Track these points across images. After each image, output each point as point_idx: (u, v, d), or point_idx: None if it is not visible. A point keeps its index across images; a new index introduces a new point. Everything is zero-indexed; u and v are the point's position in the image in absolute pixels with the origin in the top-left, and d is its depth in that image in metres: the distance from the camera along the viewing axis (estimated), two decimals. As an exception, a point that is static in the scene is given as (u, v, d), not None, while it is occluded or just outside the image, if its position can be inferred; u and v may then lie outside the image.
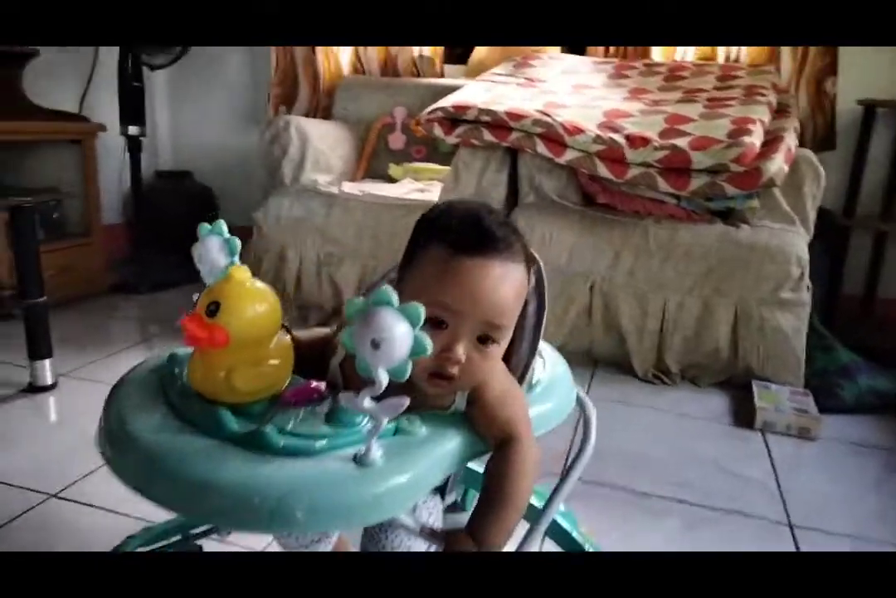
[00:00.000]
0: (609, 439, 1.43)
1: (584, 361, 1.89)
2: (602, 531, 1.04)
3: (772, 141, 1.71)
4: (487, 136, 1.86)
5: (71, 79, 2.54)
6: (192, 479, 0.55)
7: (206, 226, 0.73)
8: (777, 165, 1.63)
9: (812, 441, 1.50)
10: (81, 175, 2.27)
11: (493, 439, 0.65)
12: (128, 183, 2.59)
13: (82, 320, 2.07)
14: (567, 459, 1.21)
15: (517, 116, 1.81)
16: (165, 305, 2.29)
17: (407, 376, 0.54)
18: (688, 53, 2.36)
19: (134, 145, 2.46)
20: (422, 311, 0.53)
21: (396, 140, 2.51)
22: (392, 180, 2.39)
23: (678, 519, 1.19)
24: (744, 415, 1.60)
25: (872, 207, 2.28)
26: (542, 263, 0.75)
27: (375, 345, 0.53)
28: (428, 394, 0.65)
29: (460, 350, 0.62)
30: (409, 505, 0.59)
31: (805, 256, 1.70)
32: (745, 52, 2.29)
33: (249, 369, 0.62)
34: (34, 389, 1.56)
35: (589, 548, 0.93)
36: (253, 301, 0.63)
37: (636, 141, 1.71)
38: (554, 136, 1.78)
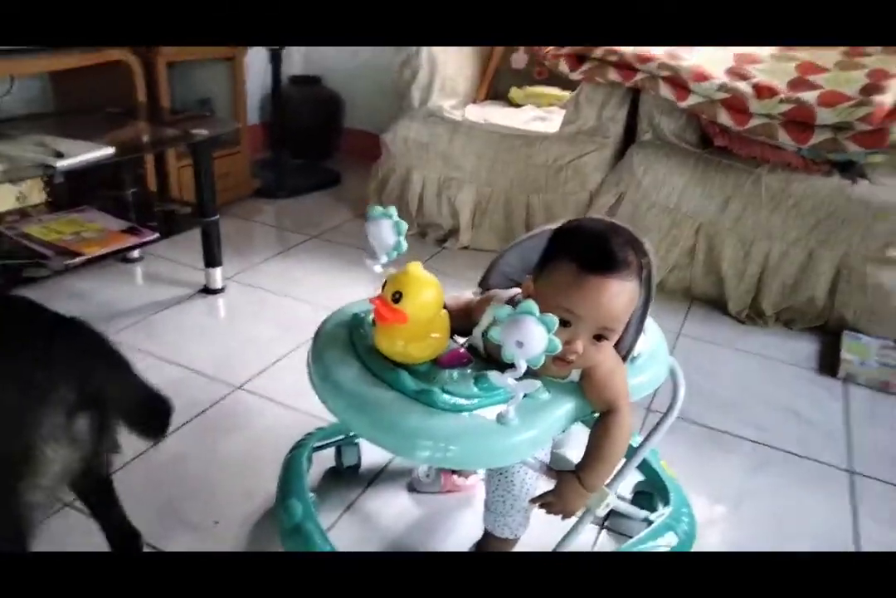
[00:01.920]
0: (692, 375, 1.61)
1: (682, 298, 2.02)
2: (676, 461, 1.24)
3: (906, 97, 1.68)
4: (612, 75, 1.91)
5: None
6: (385, 421, 0.79)
7: (378, 208, 0.92)
8: (906, 125, 1.63)
9: (892, 396, 1.62)
10: (232, 88, 2.48)
11: (599, 408, 0.85)
12: (267, 88, 2.78)
13: (236, 225, 2.34)
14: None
15: (645, 58, 1.84)
16: (298, 211, 2.55)
17: (540, 364, 0.75)
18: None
19: (275, 58, 2.63)
20: (556, 320, 0.72)
21: (519, 60, 2.55)
22: (514, 104, 2.47)
23: (745, 457, 1.38)
24: (829, 363, 1.72)
25: None
26: (653, 262, 0.91)
27: (520, 344, 0.73)
28: (550, 370, 0.85)
29: (580, 345, 0.81)
30: (533, 452, 0.82)
31: (921, 214, 1.72)
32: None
33: (421, 342, 0.85)
34: (208, 291, 1.89)
35: (668, 482, 1.14)
36: (425, 292, 0.84)
37: (763, 91, 1.73)
38: (679, 80, 1.81)
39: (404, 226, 0.90)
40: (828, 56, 1.85)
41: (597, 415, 0.87)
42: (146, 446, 1.25)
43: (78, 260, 1.54)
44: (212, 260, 1.85)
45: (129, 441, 1.25)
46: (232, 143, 2.56)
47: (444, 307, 0.89)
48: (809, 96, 1.69)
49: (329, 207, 2.59)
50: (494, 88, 2.57)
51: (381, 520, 1.16)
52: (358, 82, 3.08)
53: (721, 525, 1.20)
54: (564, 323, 0.80)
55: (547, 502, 0.87)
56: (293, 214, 2.53)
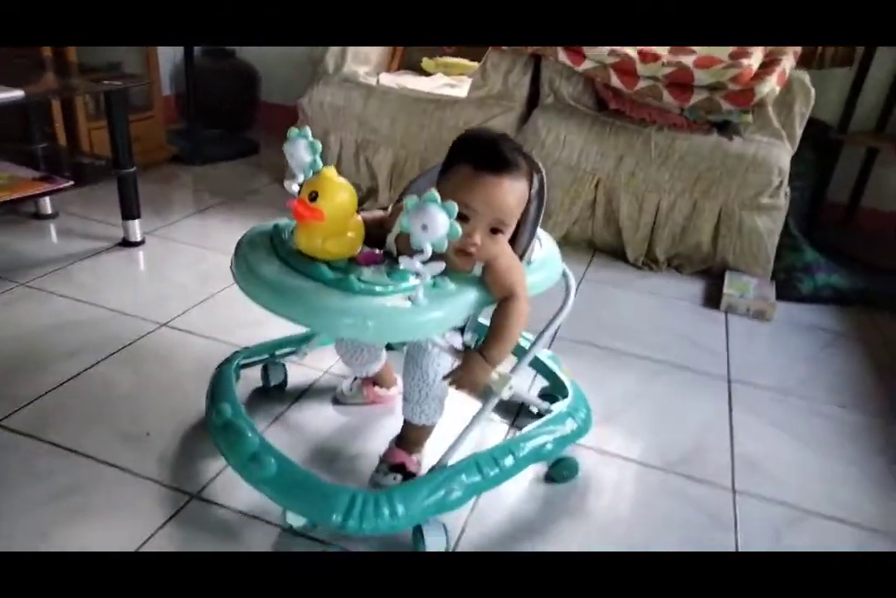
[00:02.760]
0: (595, 311, 1.78)
1: (585, 248, 2.19)
2: (578, 373, 1.36)
3: (769, 63, 1.89)
4: (516, 41, 2.04)
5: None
6: (308, 304, 0.87)
7: (294, 130, 1.00)
8: (769, 86, 1.84)
9: (766, 322, 1.83)
10: (144, 54, 2.48)
11: (499, 295, 0.97)
12: (180, 60, 2.77)
13: (151, 187, 2.34)
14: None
15: (546, 23, 1.98)
16: (216, 176, 2.56)
17: (444, 248, 0.85)
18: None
19: (187, 26, 2.63)
20: (456, 207, 0.83)
21: (431, 33, 2.65)
22: (425, 73, 2.57)
23: (639, 370, 1.54)
24: (713, 299, 1.93)
25: (866, 122, 2.46)
26: (544, 173, 1.03)
27: (424, 228, 0.84)
28: (455, 264, 0.96)
29: (478, 237, 0.93)
30: (442, 330, 0.92)
31: (786, 167, 1.94)
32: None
33: (338, 238, 0.93)
34: (127, 243, 1.90)
35: (567, 382, 1.27)
36: (340, 192, 0.93)
37: (647, 56, 1.90)
38: (574, 46, 1.96)
39: (318, 145, 0.98)
40: (706, 24, 2.04)
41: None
42: (78, 370, 1.31)
43: (-10, 203, 1.54)
44: (129, 212, 1.87)
45: (61, 365, 1.29)
46: (145, 107, 2.56)
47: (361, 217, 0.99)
48: (687, 60, 1.87)
49: (247, 174, 2.62)
50: (406, 60, 2.67)
51: (308, 428, 1.24)
52: (272, 56, 3.11)
53: (616, 421, 1.35)
54: (463, 218, 0.91)
55: (456, 378, 0.97)
56: (210, 179, 2.54)
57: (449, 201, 0.83)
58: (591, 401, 1.24)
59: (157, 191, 2.34)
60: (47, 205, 2.02)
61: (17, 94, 1.50)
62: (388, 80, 2.38)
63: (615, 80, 1.96)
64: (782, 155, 1.94)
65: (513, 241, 1.02)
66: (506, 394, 1.04)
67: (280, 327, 1.14)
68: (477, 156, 0.92)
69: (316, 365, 1.41)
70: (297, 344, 1.31)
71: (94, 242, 1.90)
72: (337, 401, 1.32)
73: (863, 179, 2.53)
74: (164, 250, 1.91)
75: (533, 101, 2.23)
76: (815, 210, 2.50)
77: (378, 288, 0.89)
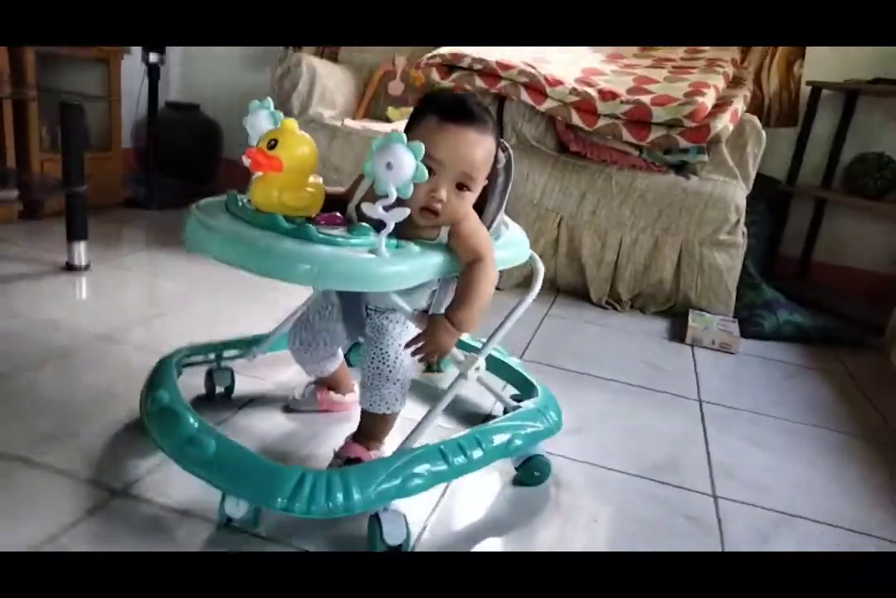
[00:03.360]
0: (561, 340, 1.72)
1: (548, 288, 2.16)
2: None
3: (722, 104, 1.98)
4: (479, 82, 2.10)
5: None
6: (261, 248, 0.80)
7: (256, 102, 0.97)
8: (723, 123, 1.90)
9: (731, 354, 1.80)
10: (105, 92, 2.46)
11: (466, 259, 0.91)
12: (142, 111, 2.77)
13: (102, 225, 2.27)
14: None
15: (506, 66, 2.05)
16: (170, 221, 2.48)
17: (409, 193, 0.80)
18: (667, 28, 2.60)
19: (153, 71, 2.65)
20: (422, 147, 0.79)
21: (396, 87, 2.73)
22: (390, 122, 2.61)
23: (609, 390, 1.48)
24: (678, 333, 1.90)
25: (814, 178, 2.57)
26: (511, 152, 1.01)
27: (389, 167, 0.79)
28: (420, 227, 0.91)
29: (443, 192, 0.88)
30: (403, 285, 0.85)
31: (742, 205, 1.98)
32: (717, 30, 2.53)
33: (297, 191, 0.88)
34: (71, 267, 1.79)
35: (537, 384, 1.19)
36: (300, 142, 0.88)
37: (606, 95, 1.97)
38: (537, 85, 2.02)
39: (280, 115, 0.95)
40: (657, 72, 2.14)
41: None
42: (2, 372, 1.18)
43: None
44: (76, 234, 1.78)
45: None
46: (104, 147, 2.53)
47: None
48: (645, 98, 1.94)
49: (203, 216, 2.55)
50: (372, 111, 2.72)
51: (255, 433, 1.12)
52: (236, 111, 3.14)
53: (587, 433, 1.26)
54: (429, 171, 0.86)
55: (420, 345, 0.90)
56: (163, 223, 2.47)
57: (416, 141, 0.79)
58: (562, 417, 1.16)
59: (108, 229, 2.25)
60: (-12, 231, 1.92)
61: (-33, 93, 1.45)
62: (353, 123, 2.41)
63: (576, 119, 2.01)
64: (738, 193, 1.99)
65: (480, 212, 0.98)
66: (472, 375, 0.97)
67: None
68: (443, 107, 0.89)
69: (266, 376, 1.31)
70: (247, 346, 1.22)
71: (35, 266, 1.79)
72: (288, 408, 1.21)
73: (813, 233, 2.61)
74: (110, 276, 1.81)
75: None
76: (769, 263, 2.55)
77: (339, 239, 0.82)
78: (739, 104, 2.04)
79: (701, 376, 1.62)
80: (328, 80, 2.46)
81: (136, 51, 2.56)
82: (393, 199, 0.80)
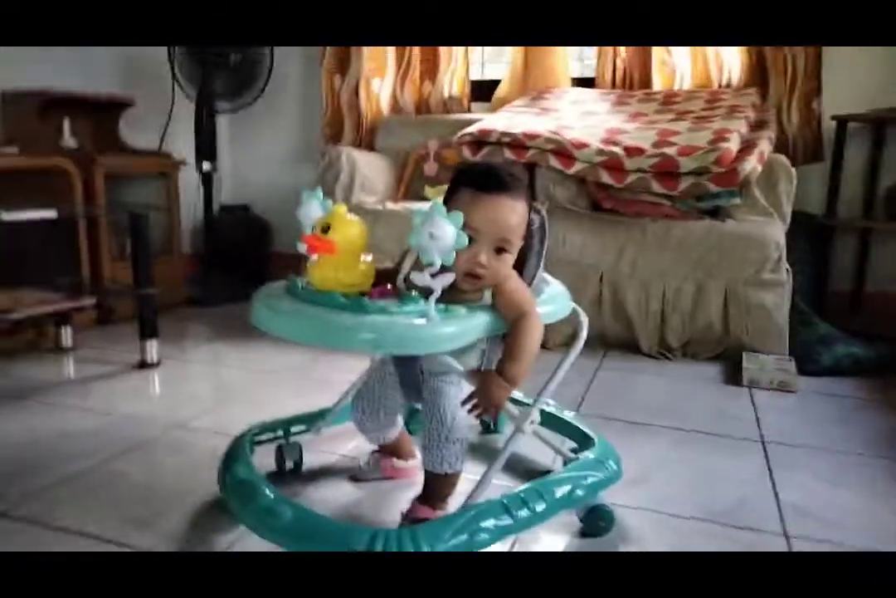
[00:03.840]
0: (616, 393, 1.74)
1: (597, 345, 2.18)
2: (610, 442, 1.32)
3: (747, 147, 2.04)
4: (508, 154, 2.22)
5: (151, 123, 2.99)
6: (322, 323, 0.88)
7: (307, 192, 1.07)
8: (751, 165, 1.96)
9: (791, 393, 1.77)
10: (166, 202, 2.68)
11: (510, 316, 0.97)
12: (198, 217, 2.99)
13: (168, 323, 2.42)
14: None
15: (532, 136, 2.17)
16: (229, 314, 2.62)
17: (452, 260, 0.88)
18: (684, 83, 2.71)
19: (207, 179, 2.88)
20: (461, 216, 0.87)
21: (430, 168, 2.88)
22: (428, 200, 2.75)
23: (668, 438, 1.47)
24: (733, 376, 1.89)
25: (853, 210, 2.57)
26: (545, 213, 1.08)
27: (432, 237, 0.87)
28: (466, 292, 0.98)
29: (483, 257, 0.95)
30: (454, 345, 0.90)
31: (782, 242, 1.99)
32: (735, 78, 2.63)
33: (350, 270, 0.96)
34: (144, 365, 1.91)
35: (593, 435, 1.22)
36: (351, 224, 0.98)
37: (632, 151, 2.05)
38: (563, 151, 2.13)
39: (329, 203, 1.05)
40: (680, 124, 2.22)
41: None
42: (88, 466, 1.27)
43: (14, 316, 1.59)
44: (147, 332, 1.91)
45: (71, 464, 1.26)
46: (165, 252, 2.72)
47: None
48: (671, 150, 2.01)
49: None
50: (410, 192, 2.87)
51: (325, 504, 1.16)
52: (284, 210, 3.34)
53: (650, 482, 1.26)
54: (469, 239, 0.94)
55: (474, 400, 0.94)
56: (224, 316, 2.59)
57: (455, 212, 0.87)
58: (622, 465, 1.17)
59: (174, 327, 2.39)
60: (68, 338, 2.07)
61: (50, 213, 1.62)
62: (394, 206, 2.54)
63: (605, 177, 2.09)
64: (776, 231, 2.01)
65: (520, 271, 1.04)
66: (528, 429, 1.00)
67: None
68: (475, 179, 0.98)
69: (332, 449, 1.36)
70: (312, 421, 1.28)
71: (111, 366, 1.92)
72: (355, 478, 1.25)
73: (861, 264, 2.58)
74: (180, 369, 1.93)
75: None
76: (820, 299, 2.52)
77: (391, 309, 0.90)
78: (765, 145, 2.09)
79: (762, 416, 1.60)
80: (367, 168, 2.63)
81: (191, 162, 2.79)
82: (438, 267, 0.87)
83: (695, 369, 1.97)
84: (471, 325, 0.93)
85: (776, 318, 1.98)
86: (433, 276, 0.88)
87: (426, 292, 0.90)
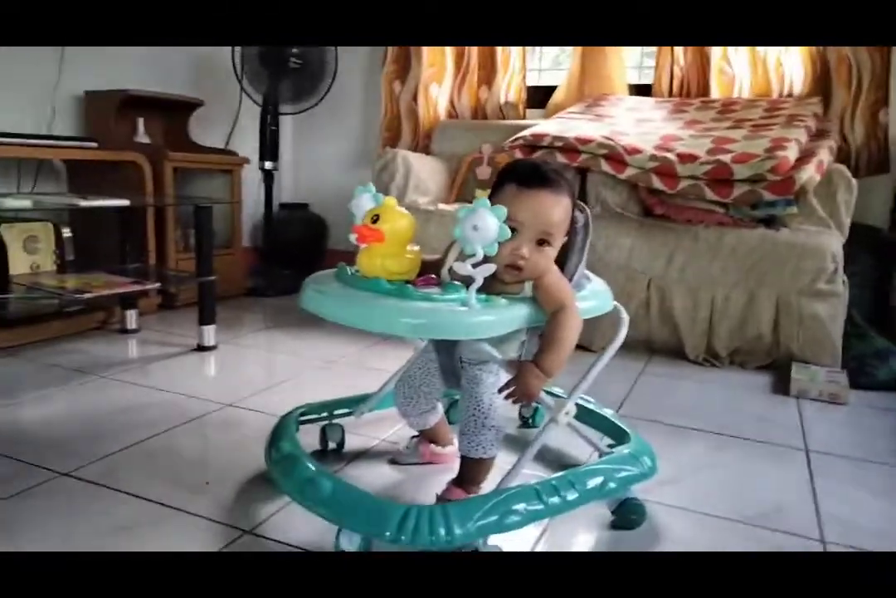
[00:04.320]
0: (658, 397, 1.74)
1: (642, 350, 2.18)
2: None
3: (805, 156, 2.01)
4: (560, 158, 2.24)
5: (220, 123, 3.13)
6: (368, 307, 0.92)
7: (360, 186, 1.12)
8: (808, 173, 1.93)
9: (841, 405, 1.74)
10: (229, 197, 2.80)
11: (550, 308, 0.99)
12: (259, 213, 3.11)
13: (227, 311, 2.53)
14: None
15: (585, 141, 2.19)
16: (286, 305, 2.72)
17: (495, 251, 0.91)
18: (743, 92, 2.68)
19: (268, 177, 2.99)
20: (505, 211, 0.91)
21: (483, 172, 2.92)
22: (481, 203, 2.79)
23: (709, 441, 1.47)
24: (782, 386, 1.86)
25: (918, 224, 2.50)
26: (589, 212, 1.11)
27: (475, 229, 0.90)
28: (507, 283, 1.01)
29: (525, 249, 0.99)
30: (492, 333, 0.94)
31: (839, 253, 1.96)
32: (797, 87, 2.59)
33: (398, 258, 1.01)
34: (202, 348, 2.00)
35: (630, 431, 1.23)
36: (399, 215, 1.02)
37: (685, 158, 2.05)
38: (616, 156, 2.14)
39: (381, 195, 1.10)
40: (737, 132, 2.20)
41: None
42: (146, 436, 1.35)
43: (86, 296, 1.69)
44: (206, 318, 2.00)
45: (130, 433, 1.34)
46: (227, 246, 2.83)
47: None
48: (725, 157, 2.00)
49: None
50: (462, 195, 2.92)
51: (363, 482, 1.21)
52: (340, 207, 3.44)
53: (685, 483, 1.26)
54: (511, 231, 0.97)
55: (510, 389, 0.97)
56: (280, 307, 2.71)
57: (498, 206, 0.91)
58: (658, 467, 1.18)
59: (232, 315, 2.50)
60: (133, 320, 2.18)
61: (123, 202, 1.72)
62: (446, 207, 2.59)
63: (657, 183, 2.09)
64: (833, 241, 1.97)
65: (562, 267, 1.07)
66: (563, 419, 1.03)
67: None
68: (520, 175, 1.02)
69: (374, 433, 1.41)
70: (356, 404, 1.33)
71: (171, 348, 2.02)
72: (394, 461, 1.30)
73: (926, 280, 2.50)
74: (235, 354, 2.01)
75: (581, 214, 2.37)
76: (880, 314, 2.46)
77: (434, 296, 0.94)
78: (825, 155, 2.06)
79: (808, 427, 1.58)
80: (421, 171, 2.68)
81: (254, 160, 2.90)
82: (480, 257, 0.91)
83: (741, 378, 1.95)
84: (510, 315, 0.96)
85: (830, 329, 1.95)
86: (475, 266, 0.92)
87: (468, 282, 0.94)
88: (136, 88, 2.50)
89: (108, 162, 2.24)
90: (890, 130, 2.47)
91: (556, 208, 1.00)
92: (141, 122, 2.65)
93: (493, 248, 0.92)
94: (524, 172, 1.02)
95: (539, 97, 3.10)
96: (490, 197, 1.05)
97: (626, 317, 1.15)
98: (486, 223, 0.90)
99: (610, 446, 1.21)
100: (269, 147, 2.95)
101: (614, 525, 1.09)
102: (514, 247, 0.98)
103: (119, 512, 1.08)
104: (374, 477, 1.23)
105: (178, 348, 2.01)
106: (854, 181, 2.05)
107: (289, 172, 3.60)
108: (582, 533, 1.08)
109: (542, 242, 1.00)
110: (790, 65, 2.58)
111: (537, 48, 3.22)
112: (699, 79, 2.71)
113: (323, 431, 1.32)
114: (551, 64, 3.23)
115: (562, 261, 1.08)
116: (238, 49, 2.82)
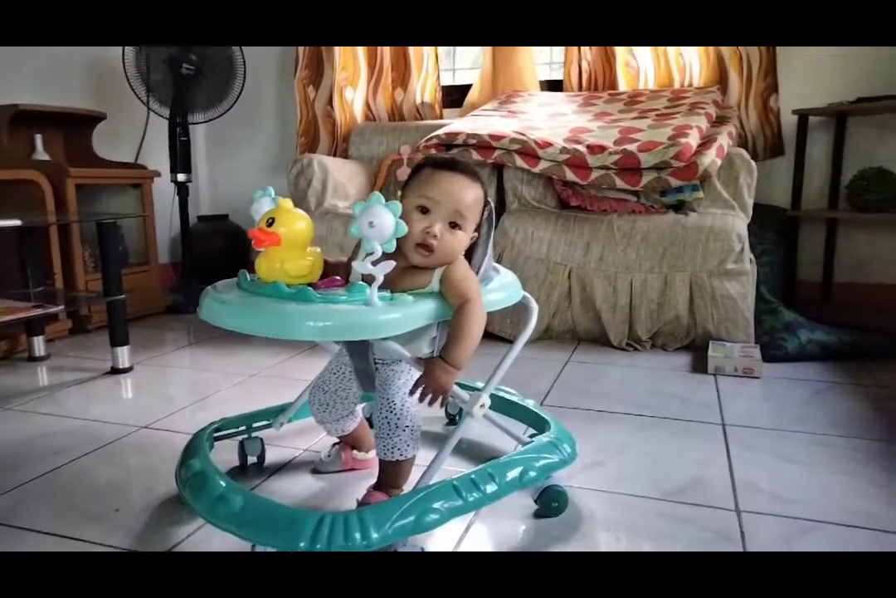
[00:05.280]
0: (582, 383, 1.76)
1: (569, 339, 2.21)
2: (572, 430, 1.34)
3: (707, 142, 2.07)
4: (475, 155, 2.25)
5: (128, 137, 3.02)
6: (269, 313, 0.90)
7: (259, 191, 1.10)
8: (710, 158, 1.99)
9: (756, 379, 1.80)
10: (141, 212, 2.70)
11: (455, 302, 0.99)
12: (175, 228, 3.01)
13: (145, 330, 2.45)
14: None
15: (497, 137, 2.20)
16: (208, 322, 2.64)
17: (393, 248, 0.90)
18: (649, 84, 2.75)
19: (182, 190, 2.90)
20: (399, 206, 0.89)
21: (403, 173, 2.91)
22: (401, 204, 2.78)
23: (629, 423, 1.50)
24: (700, 365, 1.91)
25: (818, 202, 2.61)
26: (492, 205, 1.11)
27: (371, 225, 0.89)
28: (414, 276, 1.00)
29: (437, 228, 0.98)
30: (398, 331, 0.92)
31: (744, 233, 2.03)
32: (696, 78, 2.67)
33: (295, 261, 0.98)
34: (115, 371, 1.92)
35: (550, 419, 1.23)
36: (296, 217, 1.00)
37: (595, 149, 2.08)
38: (528, 150, 2.16)
39: (280, 200, 1.07)
40: (642, 122, 2.25)
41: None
42: (56, 465, 1.28)
43: (-18, 324, 1.60)
44: (118, 339, 1.92)
45: (40, 463, 1.27)
46: (142, 263, 2.74)
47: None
48: (632, 147, 2.05)
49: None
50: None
51: (284, 494, 1.18)
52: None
53: (606, 465, 1.28)
54: (425, 211, 0.97)
55: (421, 387, 0.96)
56: (199, 324, 2.56)
57: (393, 202, 0.90)
58: (579, 452, 1.18)
59: (149, 333, 2.42)
60: (41, 347, 2.08)
61: (14, 222, 1.63)
62: (365, 210, 2.57)
63: (570, 175, 2.12)
64: (737, 222, 2.04)
65: (469, 259, 1.07)
66: (478, 412, 1.02)
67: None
68: (436, 162, 1.04)
69: (296, 444, 1.38)
70: (274, 416, 1.30)
71: (83, 373, 1.93)
72: (316, 470, 1.27)
73: (829, 255, 2.62)
74: (151, 374, 1.94)
75: (500, 208, 2.39)
76: (789, 289, 2.56)
77: (336, 297, 0.92)
78: (724, 140, 2.13)
79: (724, 401, 1.63)
80: (339, 174, 2.65)
81: (165, 173, 2.81)
82: (378, 254, 0.90)
83: (663, 360, 2.00)
84: (415, 311, 0.94)
85: (742, 307, 2.01)
86: (374, 264, 0.90)
87: (370, 281, 0.92)
88: (30, 103, 2.39)
89: (3, 182, 2.12)
90: (784, 114, 2.58)
91: (469, 190, 1.01)
92: (39, 138, 2.53)
93: (392, 245, 0.91)
94: (439, 159, 1.05)
95: (455, 96, 3.11)
96: (405, 185, 1.05)
97: (534, 306, 1.15)
98: (382, 219, 0.89)
99: (531, 436, 1.21)
100: (181, 158, 2.86)
101: (538, 514, 1.09)
102: (426, 226, 0.98)
103: (22, 550, 1.02)
104: (295, 488, 1.20)
105: (90, 373, 1.93)
106: (754, 164, 2.12)
107: (205, 183, 3.51)
108: (507, 524, 1.08)
109: (454, 226, 1.00)
110: (689, 56, 2.66)
111: (452, 48, 3.23)
112: (606, 73, 2.77)
113: (241, 445, 1.28)
114: (472, 64, 3.24)
115: (469, 254, 1.08)
116: (132, 56, 2.72)
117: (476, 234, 1.06)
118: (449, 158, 1.07)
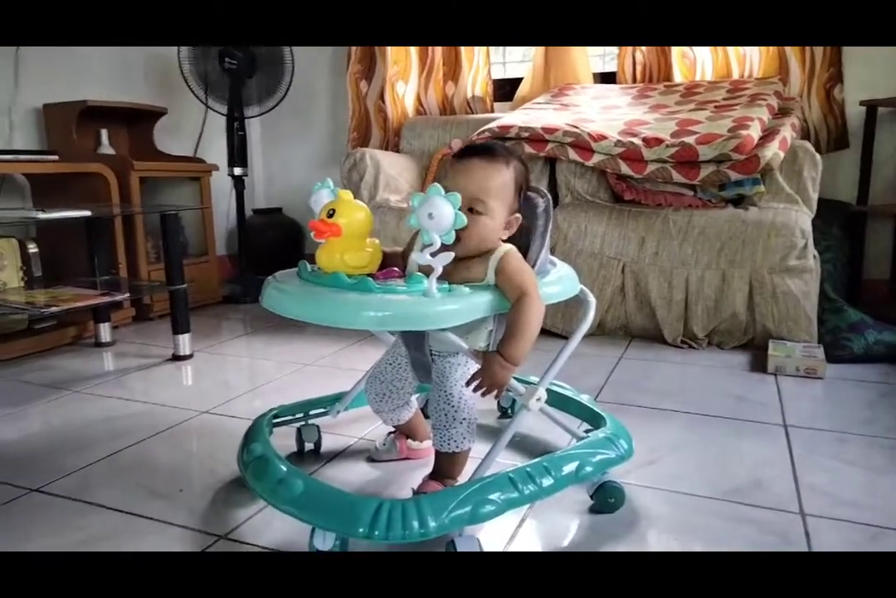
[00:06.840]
0: (637, 380, 1.74)
1: (622, 335, 2.19)
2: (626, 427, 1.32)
3: (769, 134, 2.02)
4: (528, 149, 2.24)
5: (187, 131, 3.10)
6: (329, 302, 0.91)
7: (318, 183, 1.11)
8: (772, 151, 1.94)
9: (819, 380, 1.74)
10: (200, 214, 2.77)
11: (512, 295, 0.99)
12: (232, 220, 3.08)
13: (204, 320, 2.52)
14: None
15: (551, 130, 2.18)
16: (262, 311, 2.67)
17: (452, 239, 0.91)
18: (706, 75, 2.69)
19: (239, 183, 2.96)
20: (459, 197, 0.89)
21: (455, 166, 2.92)
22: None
23: (686, 421, 1.47)
24: (760, 364, 1.86)
25: (886, 196, 2.51)
26: (549, 197, 1.10)
27: (431, 217, 0.89)
28: (470, 270, 1.00)
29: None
30: (455, 322, 0.93)
31: (808, 229, 1.97)
32: (756, 68, 2.60)
33: (356, 252, 1.00)
34: (177, 358, 1.98)
35: (606, 415, 1.23)
36: (356, 208, 1.01)
37: (651, 142, 2.05)
38: (582, 143, 2.14)
39: (339, 190, 1.09)
40: (700, 114, 2.21)
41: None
42: (121, 447, 1.33)
43: (54, 309, 1.67)
44: (179, 327, 1.98)
45: (106, 445, 1.32)
46: (201, 254, 2.81)
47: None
48: (690, 139, 2.01)
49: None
50: (435, 190, 2.90)
51: (341, 480, 1.20)
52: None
53: (662, 463, 1.26)
54: None
55: (478, 380, 0.96)
56: (257, 313, 2.67)
57: (453, 193, 0.90)
58: (635, 449, 1.17)
59: (207, 322, 2.49)
60: (107, 333, 2.16)
61: (84, 213, 1.69)
62: (418, 204, 2.58)
63: (625, 168, 2.09)
64: (801, 217, 1.98)
65: (525, 253, 1.06)
66: (534, 406, 1.02)
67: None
68: (459, 152, 1.04)
69: (352, 432, 1.40)
70: (331, 403, 1.32)
71: (146, 360, 2.00)
72: (371, 459, 1.28)
73: (898, 252, 2.52)
74: (211, 361, 1.99)
75: (553, 202, 2.36)
76: (854, 287, 2.48)
77: (395, 288, 0.93)
78: (788, 132, 2.07)
79: (785, 402, 1.58)
80: (391, 168, 2.67)
81: (223, 167, 2.88)
82: (437, 246, 0.90)
83: (720, 358, 1.96)
84: (472, 303, 0.95)
85: (805, 305, 1.96)
86: (433, 255, 0.91)
87: (429, 272, 0.93)
88: (96, 99, 2.47)
89: (73, 174, 2.20)
90: (850, 106, 2.49)
91: (486, 174, 1.00)
92: (104, 133, 2.62)
93: (451, 236, 0.91)
94: (463, 149, 1.04)
95: (506, 90, 3.10)
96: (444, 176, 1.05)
97: (592, 300, 1.14)
98: (441, 211, 0.89)
99: (587, 431, 1.20)
100: (238, 153, 2.92)
101: (593, 509, 1.09)
102: None
103: (92, 525, 1.06)
104: (351, 476, 1.22)
105: (153, 359, 1.99)
106: (818, 157, 2.06)
107: (260, 177, 3.58)
108: (561, 519, 1.07)
109: (472, 211, 0.99)
110: (748, 47, 2.59)
111: (501, 42, 3.22)
112: (661, 64, 2.72)
113: (299, 432, 1.31)
114: (522, 57, 3.22)
115: (525, 247, 1.08)
116: (187, 55, 2.78)
117: (519, 216, 1.06)
118: (471, 144, 1.06)
